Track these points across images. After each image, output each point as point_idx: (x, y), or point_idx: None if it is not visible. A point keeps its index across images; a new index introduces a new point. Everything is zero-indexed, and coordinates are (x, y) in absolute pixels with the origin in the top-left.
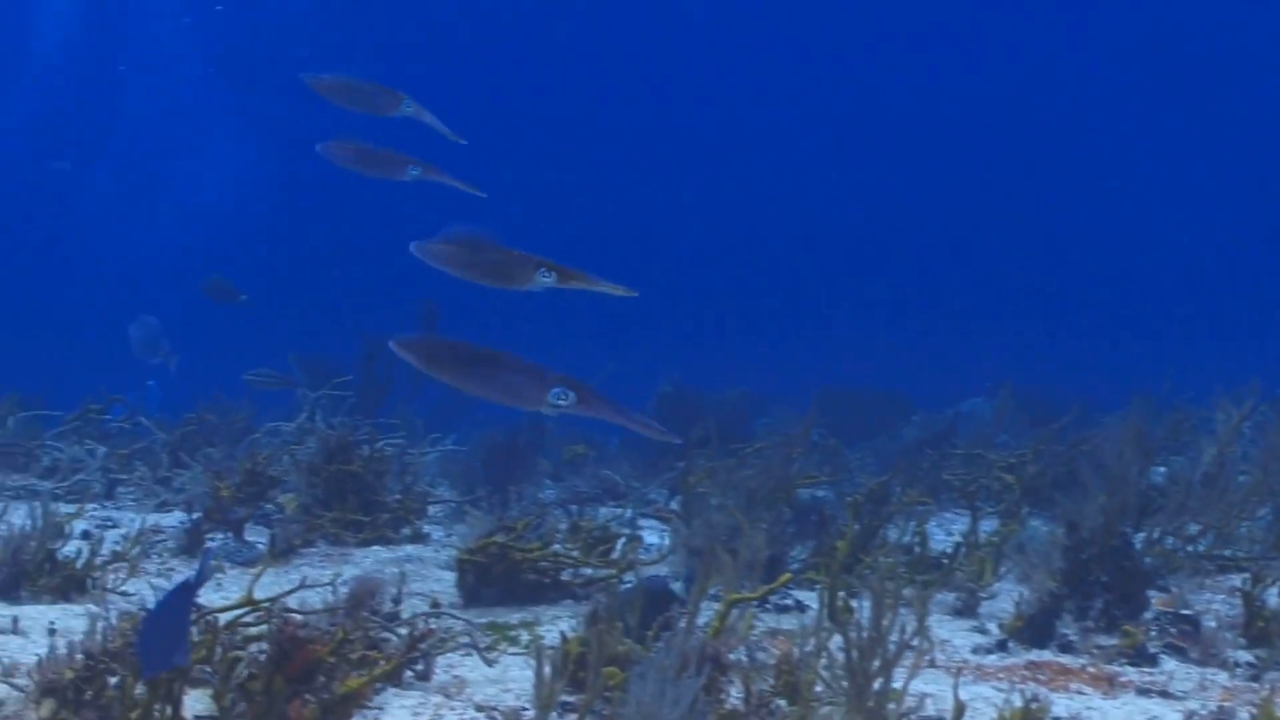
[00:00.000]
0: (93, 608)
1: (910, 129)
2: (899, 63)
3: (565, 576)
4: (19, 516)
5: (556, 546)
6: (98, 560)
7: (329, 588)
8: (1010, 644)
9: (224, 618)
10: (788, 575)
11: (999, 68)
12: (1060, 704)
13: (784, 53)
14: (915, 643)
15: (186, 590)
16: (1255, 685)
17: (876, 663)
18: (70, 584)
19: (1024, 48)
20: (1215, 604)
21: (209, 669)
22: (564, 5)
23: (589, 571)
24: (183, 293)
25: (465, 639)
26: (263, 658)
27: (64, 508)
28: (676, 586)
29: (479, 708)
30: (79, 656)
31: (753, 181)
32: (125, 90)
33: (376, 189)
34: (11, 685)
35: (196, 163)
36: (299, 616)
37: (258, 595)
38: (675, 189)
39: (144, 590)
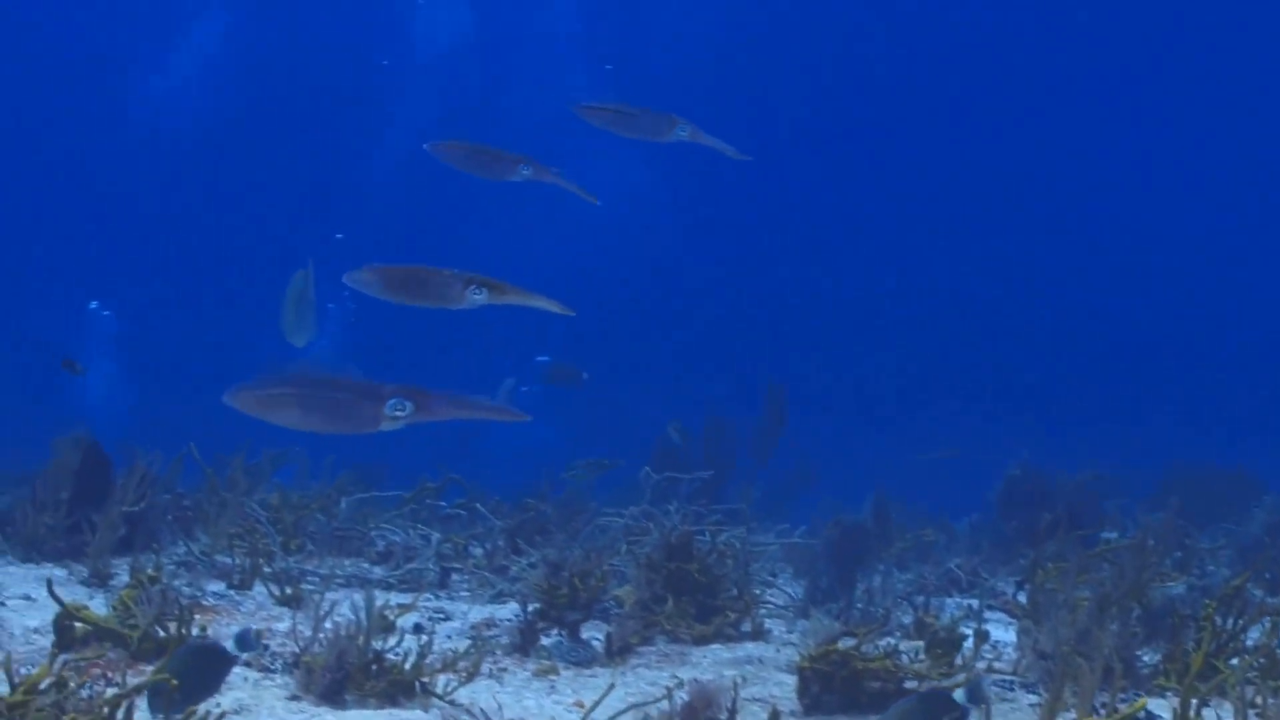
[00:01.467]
0: (422, 715)
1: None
2: None
3: (910, 685)
4: (346, 609)
5: (903, 656)
6: (427, 660)
7: (665, 699)
8: None
9: None
10: (1143, 700)
11: None
12: None
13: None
14: None
15: None
16: None
17: None
18: (398, 687)
19: None
20: None
21: None
22: None
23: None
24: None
25: None
26: None
27: (396, 597)
28: (958, 694)
29: None
30: None
31: (1092, 258)
32: (513, 95)
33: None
34: None
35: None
36: None
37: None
38: (1011, 267)
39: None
